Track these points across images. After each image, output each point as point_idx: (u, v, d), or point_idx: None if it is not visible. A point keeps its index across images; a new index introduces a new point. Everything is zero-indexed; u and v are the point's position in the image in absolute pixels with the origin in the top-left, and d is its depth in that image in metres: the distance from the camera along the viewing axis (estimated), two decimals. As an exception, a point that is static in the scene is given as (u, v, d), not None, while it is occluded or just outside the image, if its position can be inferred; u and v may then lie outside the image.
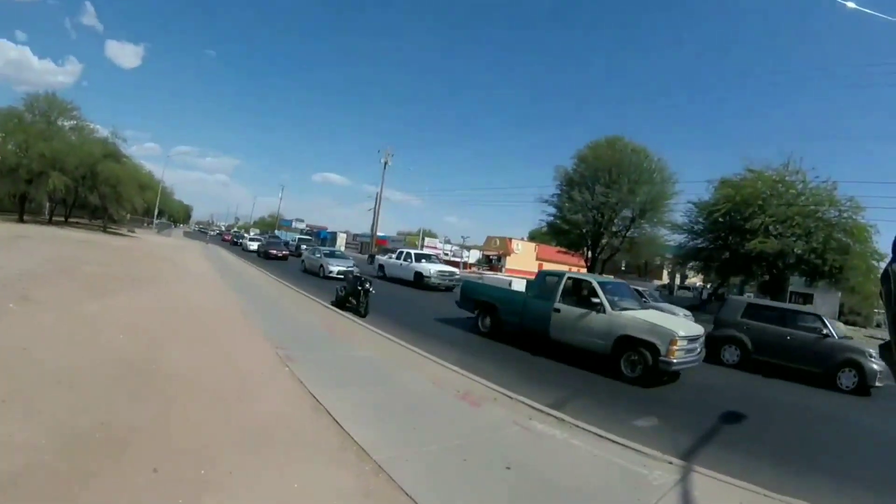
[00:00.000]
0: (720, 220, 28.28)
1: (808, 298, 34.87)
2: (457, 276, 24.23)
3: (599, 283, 9.84)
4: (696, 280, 47.03)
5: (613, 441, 5.31)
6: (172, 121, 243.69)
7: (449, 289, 22.63)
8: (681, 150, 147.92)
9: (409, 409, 5.51)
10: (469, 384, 6.83)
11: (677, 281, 51.06)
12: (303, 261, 27.57)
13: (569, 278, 10.38)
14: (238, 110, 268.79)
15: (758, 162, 29.23)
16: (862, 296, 29.54)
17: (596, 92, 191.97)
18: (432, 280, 23.22)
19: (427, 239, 66.55)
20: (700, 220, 31.20)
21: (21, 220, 30.14)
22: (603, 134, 39.09)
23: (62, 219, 35.64)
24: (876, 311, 37.99)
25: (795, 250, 25.44)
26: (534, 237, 77.06)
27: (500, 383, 6.96)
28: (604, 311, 9.21)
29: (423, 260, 25.17)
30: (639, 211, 35.27)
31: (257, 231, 75.80)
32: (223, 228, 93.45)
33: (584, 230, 36.82)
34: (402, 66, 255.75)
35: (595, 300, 9.36)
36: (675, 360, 8.22)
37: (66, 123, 32.80)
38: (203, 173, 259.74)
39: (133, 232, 41.28)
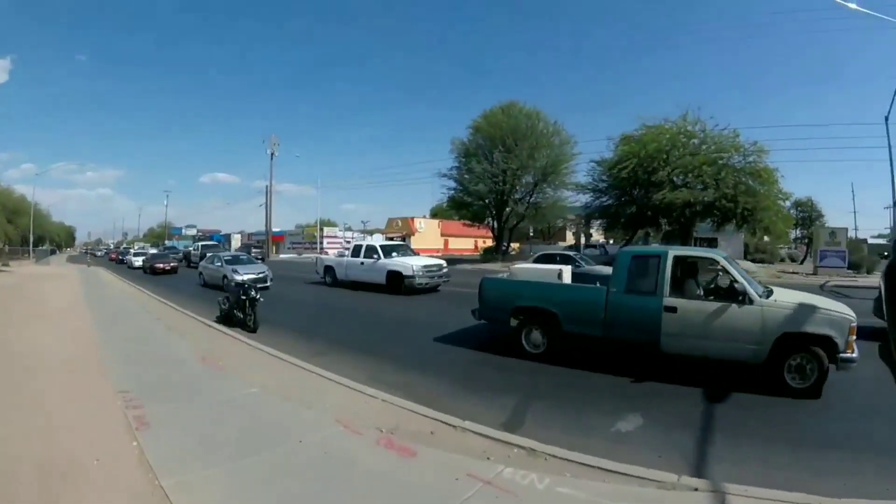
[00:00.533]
0: (625, 175, 28.86)
1: (712, 242, 37.01)
2: (446, 271, 18.85)
3: (725, 258, 7.16)
4: (599, 238, 48.53)
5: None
6: (49, 136, 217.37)
7: (434, 289, 17.87)
8: (578, 112, 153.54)
9: (314, 482, 3.86)
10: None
11: (583, 240, 52.45)
12: (200, 273, 23.00)
13: (677, 257, 7.23)
14: (116, 117, 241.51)
15: (654, 118, 30.24)
16: (774, 235, 31.61)
17: (490, 58, 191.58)
18: (417, 280, 17.13)
19: (326, 228, 63.28)
20: (604, 178, 32.09)
21: None
22: (495, 102, 38.48)
23: None
24: (781, 247, 41.15)
25: (705, 198, 26.42)
26: (436, 214, 76.64)
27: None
28: (749, 302, 6.50)
29: (396, 253, 19.09)
30: (540, 175, 35.55)
31: (142, 245, 67.78)
32: (111, 247, 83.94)
33: (486, 200, 36.65)
34: (276, 50, 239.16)
35: (736, 286, 6.63)
36: (854, 356, 6.08)
37: None
38: (85, 189, 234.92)
39: (6, 266, 36.80)
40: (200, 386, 6.43)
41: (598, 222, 36.89)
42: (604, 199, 32.65)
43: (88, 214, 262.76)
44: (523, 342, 8.29)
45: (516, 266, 10.06)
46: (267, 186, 50.86)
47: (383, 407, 5.59)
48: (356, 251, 19.80)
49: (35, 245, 59.22)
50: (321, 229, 59.61)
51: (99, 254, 63.51)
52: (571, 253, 20.50)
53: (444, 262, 19.24)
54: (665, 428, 5.27)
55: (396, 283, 17.32)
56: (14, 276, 27.62)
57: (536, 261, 19.24)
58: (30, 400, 5.66)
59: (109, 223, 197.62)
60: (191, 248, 42.36)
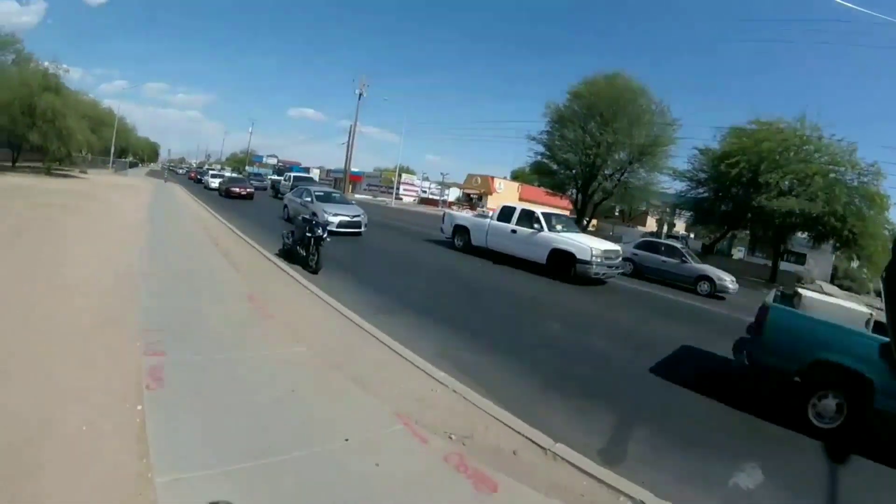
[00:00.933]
0: (730, 170, 26.83)
1: (801, 258, 34.41)
2: (621, 260, 14.92)
3: None
4: (679, 230, 46.13)
5: None
6: (143, 57, 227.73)
7: (601, 281, 13.99)
8: (681, 91, 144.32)
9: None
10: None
11: (664, 229, 49.97)
12: (285, 206, 19.91)
13: None
14: (211, 44, 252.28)
15: (767, 115, 27.77)
16: (873, 266, 28.99)
17: (593, 21, 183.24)
18: (595, 269, 13.09)
19: (405, 175, 63.27)
20: (705, 168, 29.85)
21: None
22: (599, 70, 36.07)
23: (9, 164, 31.11)
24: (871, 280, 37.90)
25: (812, 211, 24.29)
26: (516, 177, 74.89)
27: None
28: None
29: (561, 227, 14.63)
30: (636, 154, 33.21)
31: (221, 168, 69.47)
32: (194, 166, 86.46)
33: (573, 170, 34.96)
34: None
35: None
36: None
37: (6, 58, 28.57)
38: (175, 110, 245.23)
39: (85, 173, 37.30)
40: (238, 334, 5.37)
41: (688, 214, 34.75)
42: (700, 190, 30.58)
43: (176, 133, 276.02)
44: (808, 411, 5.64)
45: (814, 296, 6.87)
46: (351, 126, 50.83)
47: (454, 401, 4.49)
48: (505, 214, 15.32)
49: (120, 156, 62.77)
50: (399, 175, 59.72)
51: (180, 171, 65.18)
52: (677, 244, 18.65)
53: (620, 249, 15.26)
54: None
55: (563, 266, 13.34)
56: (88, 183, 27.83)
57: (639, 247, 17.90)
58: (37, 335, 4.56)
59: (195, 144, 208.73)
60: (280, 178, 39.03)
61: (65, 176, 30.88)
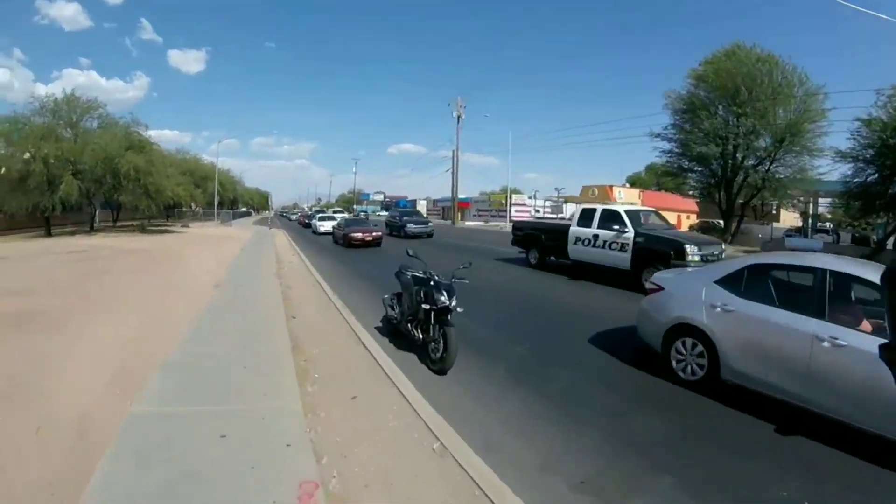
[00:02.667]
0: None
1: None
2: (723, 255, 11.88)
3: None
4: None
5: None
6: (246, 116, 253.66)
7: None
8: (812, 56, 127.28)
9: None
10: None
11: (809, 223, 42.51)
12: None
13: None
14: (307, 95, 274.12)
15: None
16: None
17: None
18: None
19: (514, 195, 60.09)
20: (872, 143, 23.51)
21: (48, 234, 26.93)
22: (714, 48, 31.00)
23: (110, 223, 32.12)
24: None
25: None
26: (633, 183, 69.74)
27: None
28: None
29: (648, 223, 12.95)
30: (781, 136, 27.65)
31: (329, 208, 69.50)
32: (305, 209, 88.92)
33: (713, 167, 29.95)
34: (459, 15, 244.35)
35: None
36: None
37: (91, 123, 29.07)
38: (283, 161, 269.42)
39: (187, 226, 37.91)
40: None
41: (829, 201, 31.35)
42: (869, 171, 24.01)
43: (286, 181, 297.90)
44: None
45: None
46: (454, 150, 49.05)
47: None
48: (585, 217, 13.40)
49: (229, 208, 65.19)
50: (509, 196, 56.74)
51: (292, 217, 66.32)
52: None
53: (722, 244, 12.79)
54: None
55: (653, 268, 10.90)
56: (181, 238, 26.98)
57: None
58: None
59: (304, 189, 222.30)
60: (395, 214, 34.51)
61: (162, 231, 30.82)
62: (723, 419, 5.01)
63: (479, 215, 62.38)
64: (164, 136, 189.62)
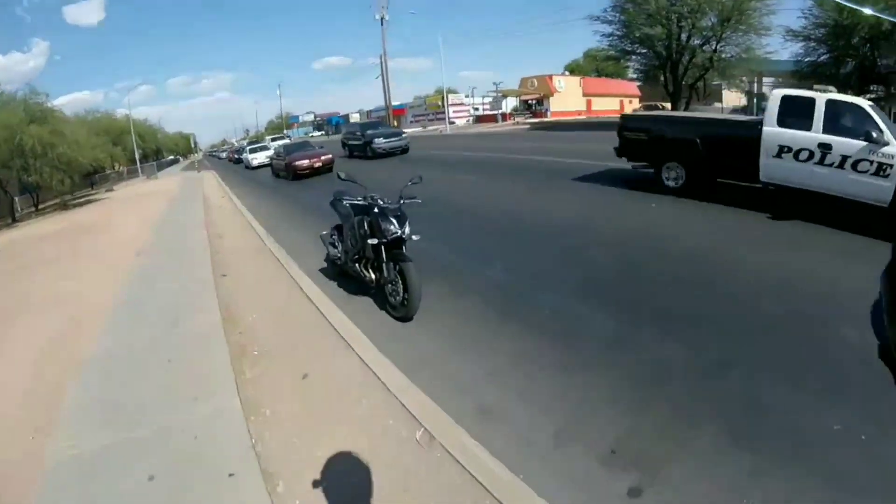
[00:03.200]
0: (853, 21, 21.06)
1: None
2: None
3: None
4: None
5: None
6: (157, 57, 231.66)
7: None
8: None
9: None
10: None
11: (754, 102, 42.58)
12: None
13: None
14: (218, 23, 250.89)
15: None
16: None
17: None
18: None
19: (451, 96, 57.42)
20: (823, 21, 23.33)
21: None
22: None
23: (32, 209, 28.35)
24: None
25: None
26: (572, 70, 68.06)
27: None
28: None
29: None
30: (725, 17, 26.73)
31: (260, 139, 64.08)
32: (235, 145, 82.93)
33: (659, 47, 28.89)
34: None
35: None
36: None
37: None
38: (204, 97, 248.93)
39: (112, 190, 34.87)
40: None
41: (772, 80, 29.98)
42: (821, 50, 24.46)
43: (211, 119, 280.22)
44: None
45: None
46: (381, 56, 45.74)
47: None
48: (793, 110, 7.75)
49: (154, 159, 60.62)
50: (446, 96, 54.33)
51: (222, 156, 61.45)
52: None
53: None
54: None
55: None
56: (104, 206, 24.25)
57: None
58: None
59: (231, 124, 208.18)
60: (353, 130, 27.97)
61: (86, 203, 27.89)
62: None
63: (416, 121, 59.80)
64: (77, 100, 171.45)
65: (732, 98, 43.93)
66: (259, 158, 30.68)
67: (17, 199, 27.30)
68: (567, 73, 62.56)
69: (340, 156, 24.32)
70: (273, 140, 40.80)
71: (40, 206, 28.28)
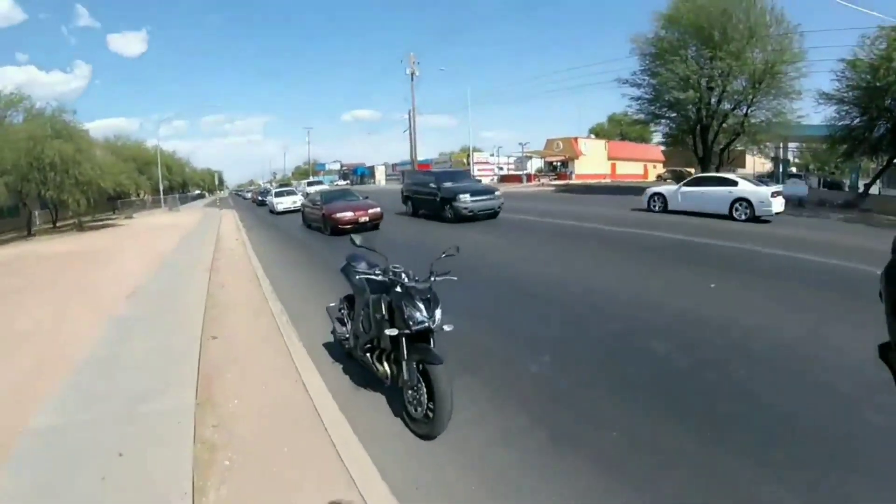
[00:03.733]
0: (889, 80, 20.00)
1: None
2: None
3: None
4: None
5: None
6: (193, 95, 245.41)
7: None
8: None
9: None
10: None
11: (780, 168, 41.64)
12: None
13: None
14: (256, 68, 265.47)
15: None
16: None
17: None
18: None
19: (476, 154, 57.50)
20: (856, 84, 22.39)
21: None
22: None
23: (50, 225, 28.42)
24: None
25: None
26: (597, 133, 68.32)
27: None
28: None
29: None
30: (756, 80, 26.13)
31: (285, 183, 63.43)
32: (262, 187, 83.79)
33: (688, 112, 28.24)
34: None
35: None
36: None
37: (16, 118, 25.15)
38: (236, 137, 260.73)
39: (131, 217, 34.89)
40: None
41: (796, 146, 30.83)
42: (854, 113, 23.16)
43: (240, 159, 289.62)
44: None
45: None
46: (409, 111, 46.11)
47: None
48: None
49: (180, 192, 61.01)
50: (472, 153, 54.22)
51: (247, 196, 61.09)
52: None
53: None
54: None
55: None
56: (118, 232, 24.04)
57: None
58: None
59: (259, 165, 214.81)
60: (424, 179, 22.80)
61: (102, 227, 27.58)
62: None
63: (440, 177, 59.76)
64: (111, 125, 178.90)
65: (754, 163, 43.24)
66: (285, 203, 29.00)
67: (36, 213, 27.48)
68: (592, 136, 62.36)
69: (399, 212, 21.27)
70: (309, 185, 40.54)
71: (58, 224, 28.30)
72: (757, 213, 15.56)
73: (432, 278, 4.18)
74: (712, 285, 7.79)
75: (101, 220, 32.05)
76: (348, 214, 16.41)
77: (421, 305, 3.85)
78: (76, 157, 23.80)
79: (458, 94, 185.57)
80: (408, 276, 4.22)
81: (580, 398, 4.45)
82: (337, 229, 16.00)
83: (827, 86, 25.13)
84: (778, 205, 15.79)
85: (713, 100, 27.20)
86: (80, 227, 26.68)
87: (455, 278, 4.32)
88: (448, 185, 18.01)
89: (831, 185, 32.56)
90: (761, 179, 34.17)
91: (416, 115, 46.14)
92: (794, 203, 21.81)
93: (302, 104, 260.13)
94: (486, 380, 4.85)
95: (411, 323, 3.81)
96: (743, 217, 15.71)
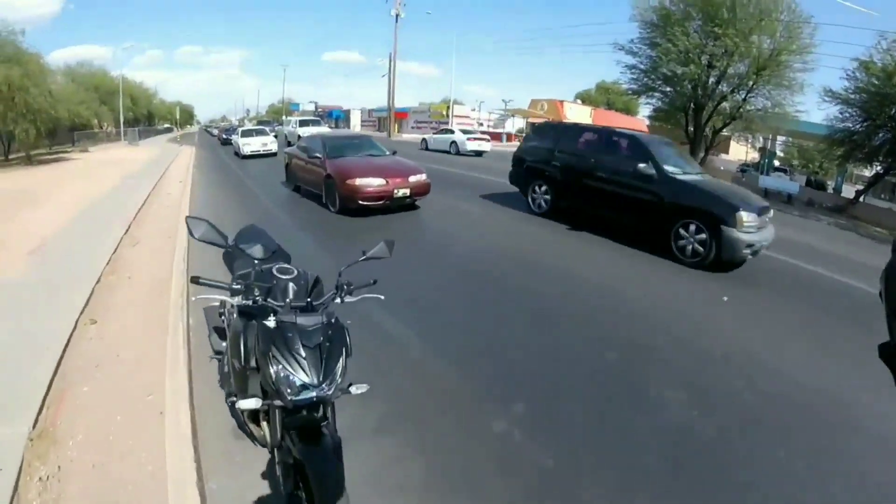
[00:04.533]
0: None
1: None
2: None
3: None
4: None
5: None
6: (171, 22, 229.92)
7: None
8: None
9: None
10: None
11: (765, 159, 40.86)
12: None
13: None
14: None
15: None
16: None
17: None
18: None
19: (457, 107, 55.17)
20: (866, 86, 21.29)
21: None
22: None
23: (2, 157, 25.68)
24: None
25: None
26: (583, 99, 66.59)
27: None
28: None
29: None
30: (759, 66, 24.81)
31: (258, 122, 60.14)
32: (234, 123, 78.26)
33: (683, 88, 26.83)
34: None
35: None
36: None
37: None
38: (212, 70, 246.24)
39: (86, 151, 32.40)
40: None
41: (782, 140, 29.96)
42: (858, 116, 22.19)
43: (214, 95, 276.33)
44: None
45: None
46: (391, 54, 43.54)
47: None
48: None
49: (148, 125, 57.77)
50: (451, 107, 51.98)
51: (214, 132, 57.87)
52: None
53: None
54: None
55: None
56: (64, 168, 21.88)
57: None
58: None
59: (233, 102, 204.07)
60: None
61: (53, 160, 25.30)
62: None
63: (418, 127, 57.08)
64: (82, 53, 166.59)
65: (739, 151, 42.48)
66: (252, 146, 24.71)
67: None
68: (578, 101, 60.64)
69: (485, 194, 13.47)
70: (301, 124, 31.14)
71: (10, 157, 25.86)
72: (461, 151, 27.65)
73: (339, 297, 2.52)
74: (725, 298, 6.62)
75: (56, 153, 29.72)
76: (375, 182, 10.24)
77: (303, 358, 2.15)
78: (23, 82, 21.49)
79: (442, 42, 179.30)
80: (291, 291, 2.51)
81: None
82: (354, 202, 10.18)
83: (836, 84, 23.88)
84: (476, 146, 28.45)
85: (712, 79, 25.79)
86: (29, 161, 24.47)
87: (382, 297, 2.64)
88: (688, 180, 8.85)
89: (817, 185, 32.00)
90: (744, 168, 33.58)
91: (398, 61, 43.67)
92: (782, 199, 21.13)
93: (281, 41, 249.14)
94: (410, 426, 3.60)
95: (286, 394, 2.11)
96: (453, 151, 28.43)
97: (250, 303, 2.32)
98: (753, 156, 39.84)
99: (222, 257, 3.38)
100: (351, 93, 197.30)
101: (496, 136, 48.58)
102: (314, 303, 2.42)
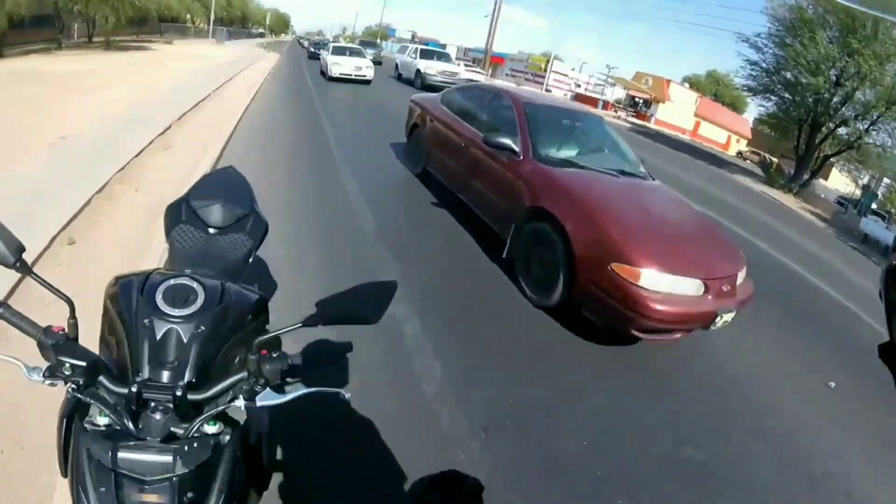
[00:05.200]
0: None
1: None
2: None
3: None
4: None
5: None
6: None
7: None
8: None
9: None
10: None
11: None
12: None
13: None
14: None
15: None
16: None
17: None
18: None
19: (557, 62, 52.38)
20: None
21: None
22: None
23: (84, 39, 25.94)
24: None
25: None
26: (691, 84, 62.56)
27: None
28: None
29: None
30: (888, 98, 21.71)
31: (348, 39, 58.55)
32: (329, 39, 77.93)
33: (808, 99, 24.17)
34: None
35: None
36: None
37: None
38: None
39: (170, 43, 32.99)
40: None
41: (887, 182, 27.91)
42: None
43: (312, 8, 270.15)
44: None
45: None
46: (497, -8, 40.53)
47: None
48: None
49: (241, 27, 57.55)
50: (551, 62, 49.43)
51: (306, 44, 57.80)
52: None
53: None
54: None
55: None
56: (141, 56, 21.77)
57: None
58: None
59: (328, 20, 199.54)
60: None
61: (134, 48, 25.48)
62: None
63: (512, 75, 54.58)
64: None
65: (838, 180, 38.98)
66: (343, 67, 20.52)
67: (76, 25, 25.26)
68: (686, 84, 56.68)
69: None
70: (423, 55, 25.29)
71: (94, 40, 26.14)
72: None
73: (239, 401, 1.18)
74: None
75: (140, 41, 30.11)
76: (690, 289, 3.90)
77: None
78: None
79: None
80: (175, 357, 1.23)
81: None
82: (629, 323, 3.86)
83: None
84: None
85: (836, 98, 23.14)
86: (108, 46, 24.67)
87: (348, 395, 1.22)
88: None
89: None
90: (842, 202, 30.67)
91: (504, 4, 41.20)
92: (880, 249, 17.53)
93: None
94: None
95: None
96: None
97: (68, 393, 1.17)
98: (852, 189, 36.44)
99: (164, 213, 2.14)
100: (452, 28, 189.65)
101: (592, 101, 45.43)
102: (174, 429, 1.13)
